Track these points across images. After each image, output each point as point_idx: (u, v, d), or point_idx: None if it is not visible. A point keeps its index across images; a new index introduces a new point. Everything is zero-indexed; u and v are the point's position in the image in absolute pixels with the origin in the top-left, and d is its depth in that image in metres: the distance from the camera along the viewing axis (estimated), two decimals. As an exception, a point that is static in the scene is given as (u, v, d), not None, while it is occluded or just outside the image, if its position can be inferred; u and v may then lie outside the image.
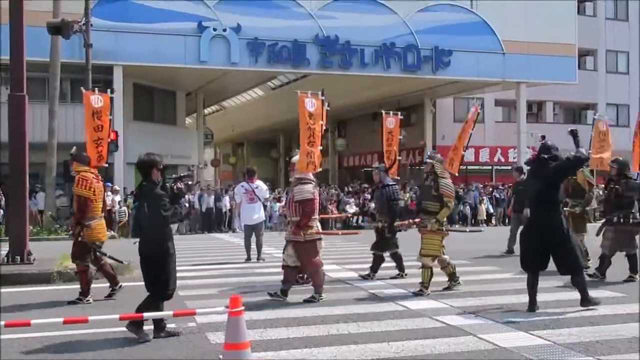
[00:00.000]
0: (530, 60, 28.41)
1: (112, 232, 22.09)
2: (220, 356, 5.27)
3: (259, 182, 13.31)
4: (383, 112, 11.87)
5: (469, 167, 33.45)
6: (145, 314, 5.75)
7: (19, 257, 10.99)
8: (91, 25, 21.64)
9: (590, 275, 9.53)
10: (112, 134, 22.59)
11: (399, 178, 10.33)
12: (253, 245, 12.97)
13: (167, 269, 6.31)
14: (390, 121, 11.48)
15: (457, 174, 10.20)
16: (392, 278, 10.01)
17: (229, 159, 53.22)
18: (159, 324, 6.37)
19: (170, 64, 24.71)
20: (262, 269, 11.64)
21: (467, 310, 7.44)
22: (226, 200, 25.34)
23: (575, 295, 8.28)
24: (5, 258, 11.02)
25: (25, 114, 11.54)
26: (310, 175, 8.59)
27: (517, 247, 11.97)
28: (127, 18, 23.57)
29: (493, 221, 27.57)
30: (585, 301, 7.38)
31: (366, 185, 29.66)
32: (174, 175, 6.71)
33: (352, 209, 26.81)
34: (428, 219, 8.69)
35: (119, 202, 22.88)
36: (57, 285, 9.95)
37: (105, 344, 6.16)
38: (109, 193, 22.76)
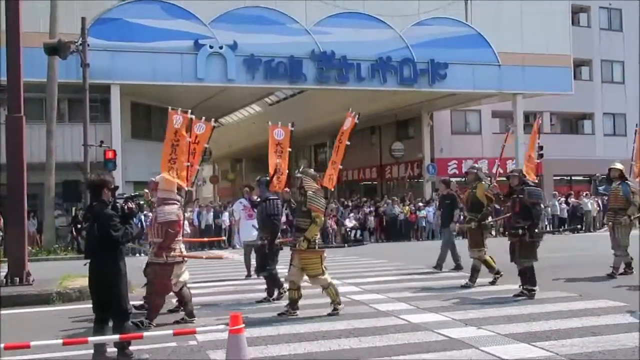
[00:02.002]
0: (525, 71, 28.54)
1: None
2: (222, 374, 5.23)
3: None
4: (269, 122, 11.39)
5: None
6: (146, 334, 5.72)
7: (18, 279, 10.94)
8: (88, 45, 21.75)
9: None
10: (110, 152, 22.67)
11: (287, 190, 10.05)
12: (253, 262, 12.91)
13: (119, 290, 6.13)
14: (278, 132, 11.15)
15: (332, 189, 9.87)
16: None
17: (228, 175, 53.27)
18: (122, 346, 6.18)
19: (168, 82, 24.79)
20: (262, 285, 11.57)
21: (468, 322, 7.41)
22: (225, 216, 25.32)
23: (579, 305, 8.27)
24: (5, 279, 10.98)
25: (23, 135, 11.52)
26: (176, 196, 8.22)
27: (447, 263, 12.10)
28: (123, 37, 23.66)
29: (493, 232, 27.50)
30: None
31: (365, 199, 29.69)
32: (125, 195, 6.65)
33: (351, 223, 26.85)
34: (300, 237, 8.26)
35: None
36: (57, 306, 9.89)
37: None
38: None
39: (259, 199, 9.96)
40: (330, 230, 26.44)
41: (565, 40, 29.65)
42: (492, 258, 10.73)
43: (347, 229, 26.69)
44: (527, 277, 9.15)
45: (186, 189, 8.54)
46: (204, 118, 9.56)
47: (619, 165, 11.53)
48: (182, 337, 6.67)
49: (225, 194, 49.97)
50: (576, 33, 32.03)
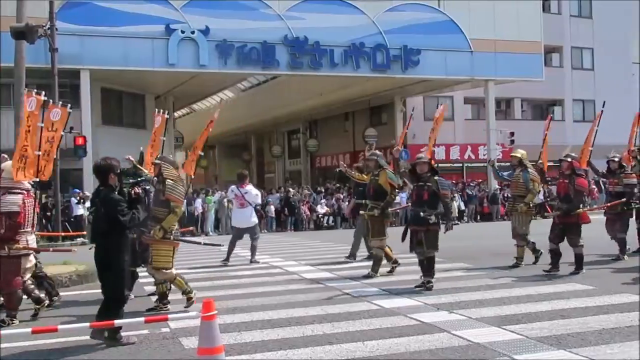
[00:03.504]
0: (497, 58, 28.76)
1: (84, 239, 21.83)
2: (194, 361, 5.22)
3: (249, 187, 13.05)
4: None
5: (440, 165, 33.76)
6: (117, 321, 5.68)
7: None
8: (56, 29, 21.30)
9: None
10: (81, 139, 22.35)
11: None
12: (236, 250, 12.93)
13: (122, 274, 6.28)
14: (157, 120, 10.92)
15: (192, 176, 9.97)
16: (364, 277, 10.01)
17: (201, 161, 52.90)
18: (114, 332, 6.24)
19: (139, 68, 24.47)
20: (235, 272, 11.57)
21: (440, 307, 7.49)
22: (198, 203, 25.19)
23: (549, 289, 8.41)
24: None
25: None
26: (24, 184, 7.79)
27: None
28: (93, 21, 23.26)
29: (465, 218, 27.84)
30: None
31: (339, 185, 29.76)
32: (130, 180, 6.64)
33: (323, 209, 26.91)
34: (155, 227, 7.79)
35: (87, 209, 22.57)
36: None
37: (76, 352, 6.06)
38: (74, 200, 22.46)
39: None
40: (305, 217, 26.48)
41: (536, 27, 29.93)
42: (389, 248, 10.48)
43: (320, 215, 26.75)
44: (426, 267, 8.92)
45: (32, 180, 7.97)
46: (60, 103, 9.05)
47: (519, 152, 11.37)
48: (155, 325, 6.65)
49: (197, 181, 49.67)
50: (547, 20, 32.34)
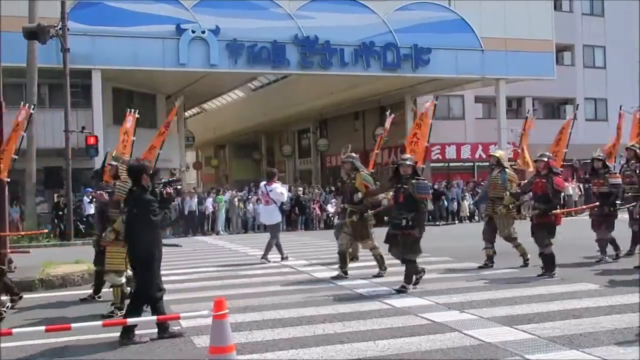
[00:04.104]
0: (508, 56, 28.61)
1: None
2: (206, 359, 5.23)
3: (275, 185, 13.06)
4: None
5: (450, 164, 33.66)
6: (129, 320, 5.72)
7: (-1, 266, 10.83)
8: (68, 29, 21.45)
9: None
10: (92, 138, 22.46)
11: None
12: (245, 249, 12.98)
13: (153, 272, 6.41)
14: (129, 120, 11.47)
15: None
16: (375, 277, 9.99)
17: (211, 161, 53.06)
18: (162, 325, 6.42)
19: (149, 67, 24.55)
20: (246, 271, 11.59)
21: (451, 306, 7.47)
22: (209, 202, 25.28)
23: (560, 288, 8.37)
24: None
25: (2, 121, 11.36)
26: None
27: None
28: (104, 21, 23.36)
29: (476, 217, 27.73)
30: None
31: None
32: (163, 180, 6.75)
33: (333, 208, 26.89)
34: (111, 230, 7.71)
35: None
36: (39, 293, 9.85)
37: (88, 350, 6.10)
38: (86, 199, 22.54)
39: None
40: (315, 216, 26.49)
41: (547, 25, 29.73)
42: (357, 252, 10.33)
43: (330, 215, 26.74)
44: (406, 272, 8.71)
45: None
46: (27, 105, 9.09)
47: (498, 152, 11.13)
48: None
49: (208, 180, 49.80)
50: (558, 18, 32.14)
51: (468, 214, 27.60)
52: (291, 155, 43.62)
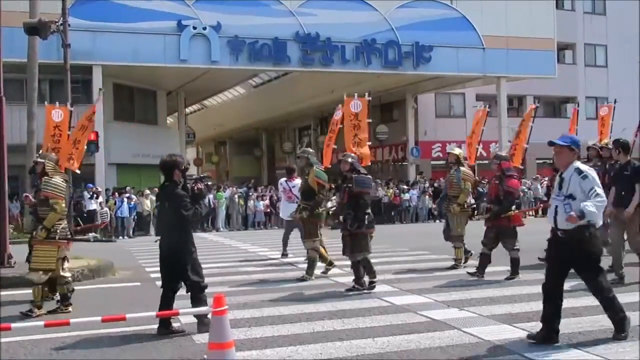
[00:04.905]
0: (510, 55, 28.61)
1: (94, 233, 21.94)
2: (205, 356, 5.23)
3: (297, 181, 12.98)
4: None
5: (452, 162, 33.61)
6: (128, 315, 5.71)
7: (-1, 261, 10.86)
8: (69, 25, 21.36)
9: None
10: (93, 134, 22.42)
11: None
12: (246, 245, 12.95)
13: (187, 265, 6.49)
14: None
15: (78, 171, 10.31)
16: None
17: (212, 158, 53.05)
18: (165, 322, 6.46)
19: (150, 64, 24.54)
20: (246, 268, 11.60)
21: (451, 304, 7.47)
22: (209, 199, 25.26)
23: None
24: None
25: (3, 116, 11.38)
26: None
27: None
28: (105, 17, 23.35)
29: (476, 215, 27.69)
30: None
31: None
32: (194, 176, 6.86)
33: (333, 206, 26.88)
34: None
35: (100, 204, 22.69)
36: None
37: (89, 345, 6.10)
38: (86, 194, 22.58)
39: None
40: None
41: (549, 23, 29.72)
42: (324, 249, 10.16)
43: (330, 211, 26.71)
44: (358, 272, 8.53)
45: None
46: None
47: (456, 150, 11.04)
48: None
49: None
50: (560, 16, 32.09)
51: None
52: (292, 153, 43.56)
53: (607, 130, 15.60)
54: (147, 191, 23.95)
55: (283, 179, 13.34)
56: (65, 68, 21.48)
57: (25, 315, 7.51)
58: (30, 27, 18.29)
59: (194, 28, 24.44)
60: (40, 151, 8.84)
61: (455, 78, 29.96)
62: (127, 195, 23.42)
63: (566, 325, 6.25)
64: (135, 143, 27.42)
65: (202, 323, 6.33)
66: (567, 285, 8.44)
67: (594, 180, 5.55)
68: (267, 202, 26.27)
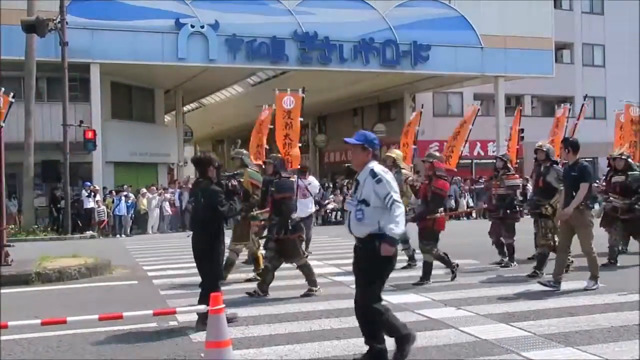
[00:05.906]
0: (508, 54, 28.63)
1: (92, 232, 21.96)
2: (202, 354, 5.24)
3: (311, 179, 13.55)
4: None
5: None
6: (125, 314, 5.70)
7: (-4, 259, 10.85)
8: (66, 23, 21.41)
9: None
10: (90, 132, 22.44)
11: None
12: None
13: (215, 262, 6.59)
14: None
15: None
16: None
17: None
18: (203, 316, 6.37)
19: (148, 62, 24.49)
20: (243, 267, 11.58)
21: (448, 303, 7.48)
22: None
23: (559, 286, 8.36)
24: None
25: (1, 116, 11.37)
26: None
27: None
28: (103, 15, 23.30)
29: (474, 214, 27.74)
30: None
31: (348, 181, 29.74)
32: (226, 173, 7.02)
33: (331, 205, 26.93)
34: None
35: (97, 202, 22.66)
36: (36, 287, 9.84)
37: (85, 344, 6.10)
38: (84, 193, 22.54)
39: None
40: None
41: (547, 23, 29.74)
42: (261, 255, 9.65)
43: (328, 211, 26.76)
44: (307, 277, 8.34)
45: None
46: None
47: (394, 152, 10.80)
48: (163, 318, 6.68)
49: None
50: (558, 16, 32.14)
51: (465, 210, 27.58)
52: (290, 152, 43.58)
53: (561, 131, 15.69)
54: (144, 189, 23.92)
55: (296, 177, 13.39)
56: (63, 66, 21.51)
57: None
58: (28, 25, 18.32)
59: (192, 26, 24.40)
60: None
61: (453, 77, 29.97)
62: (125, 193, 23.40)
63: (562, 324, 6.27)
64: (133, 141, 27.39)
65: (203, 322, 6.33)
66: (563, 285, 8.49)
67: (388, 184, 5.01)
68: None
